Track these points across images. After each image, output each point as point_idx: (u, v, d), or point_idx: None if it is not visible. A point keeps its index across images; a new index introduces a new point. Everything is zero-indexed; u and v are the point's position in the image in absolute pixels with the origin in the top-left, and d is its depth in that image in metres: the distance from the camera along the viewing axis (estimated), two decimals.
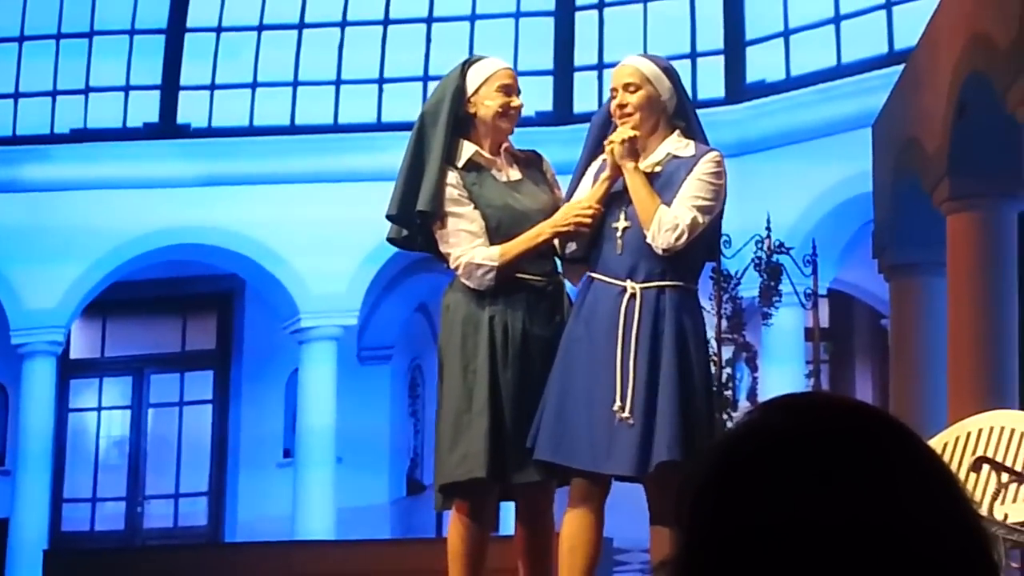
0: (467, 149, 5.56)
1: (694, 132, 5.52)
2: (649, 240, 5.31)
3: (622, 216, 5.40)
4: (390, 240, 5.78)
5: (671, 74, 5.51)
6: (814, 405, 1.34)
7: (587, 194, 5.49)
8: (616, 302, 5.33)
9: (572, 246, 5.50)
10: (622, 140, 5.38)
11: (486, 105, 5.55)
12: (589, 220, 5.42)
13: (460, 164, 5.53)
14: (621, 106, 5.45)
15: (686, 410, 5.23)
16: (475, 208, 5.50)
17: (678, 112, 5.50)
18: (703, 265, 5.58)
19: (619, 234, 5.40)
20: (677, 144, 5.46)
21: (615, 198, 5.43)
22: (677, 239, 5.29)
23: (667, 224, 5.30)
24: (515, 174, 5.62)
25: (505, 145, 5.63)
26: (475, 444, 5.33)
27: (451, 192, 5.49)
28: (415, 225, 5.60)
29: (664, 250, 5.30)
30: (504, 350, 5.40)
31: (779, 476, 1.26)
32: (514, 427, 5.35)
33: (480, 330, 5.41)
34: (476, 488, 5.39)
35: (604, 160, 5.49)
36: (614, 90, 5.50)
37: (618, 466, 5.25)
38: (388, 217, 5.69)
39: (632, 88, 5.44)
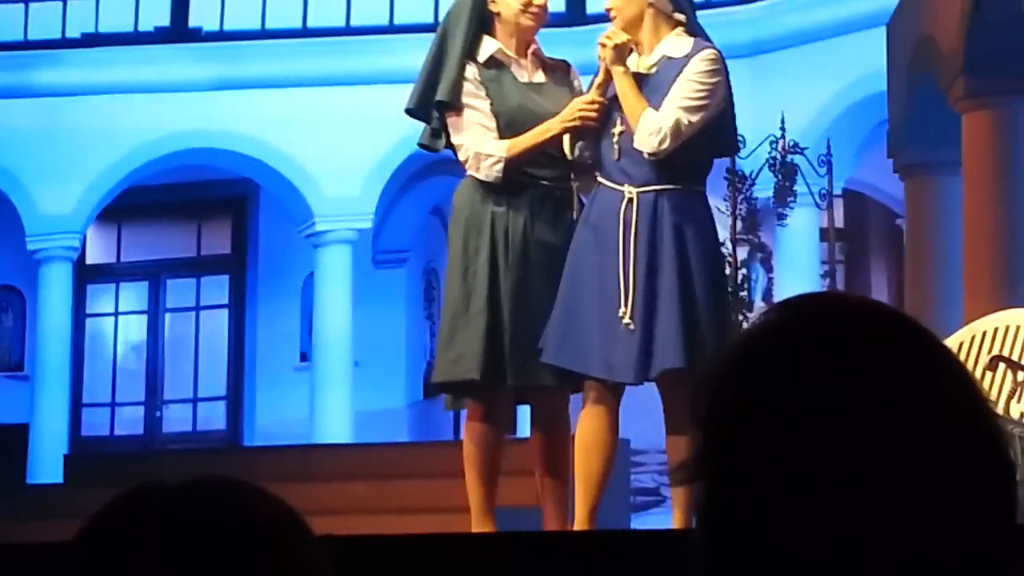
0: (489, 45, 5.58)
1: (694, 29, 5.49)
2: (635, 145, 5.30)
3: (618, 120, 5.39)
4: (421, 146, 5.79)
5: None
6: (831, 306, 1.34)
7: (587, 94, 5.49)
8: (616, 207, 5.32)
9: (581, 148, 5.49)
10: (614, 44, 5.36)
11: (509, 3, 5.56)
12: (594, 113, 5.40)
13: (482, 60, 5.55)
14: (608, 9, 5.45)
15: (688, 315, 5.21)
16: (491, 103, 5.51)
17: (675, 9, 5.46)
18: (707, 165, 5.52)
19: (615, 138, 5.39)
20: (675, 44, 5.41)
21: (613, 103, 5.41)
22: (660, 143, 5.27)
23: (650, 128, 5.27)
24: (539, 77, 5.62)
25: (533, 48, 5.65)
26: (470, 345, 5.37)
27: (468, 86, 5.52)
28: (434, 119, 5.62)
29: (650, 154, 5.28)
30: (505, 252, 5.42)
31: (796, 377, 1.27)
32: (514, 329, 5.37)
33: (483, 232, 5.44)
34: (483, 390, 5.43)
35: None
36: None
37: (622, 374, 5.27)
38: (407, 111, 5.71)
39: None
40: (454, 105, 5.53)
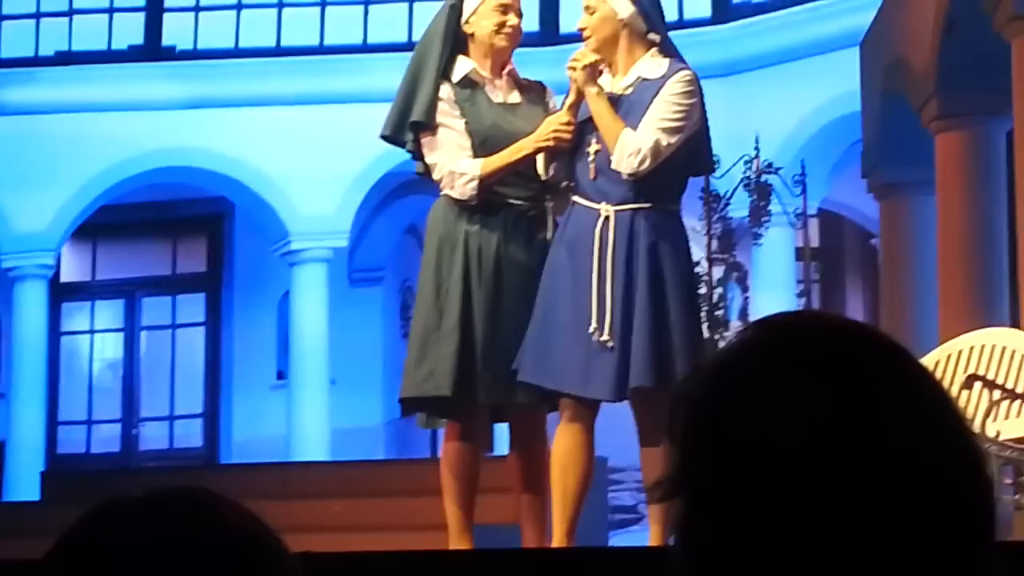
0: (464, 65, 5.60)
1: (669, 51, 5.51)
2: (614, 165, 5.31)
3: (593, 140, 5.40)
4: (418, 174, 5.80)
5: None
6: (806, 324, 1.35)
7: (559, 113, 5.50)
8: (592, 225, 5.33)
9: (555, 168, 5.50)
10: (584, 65, 5.38)
11: (482, 24, 5.57)
12: (568, 134, 5.41)
13: (456, 80, 5.56)
14: (581, 29, 5.47)
15: (661, 333, 5.22)
16: (466, 123, 5.52)
17: (650, 29, 5.48)
18: (683, 184, 5.53)
19: (591, 158, 5.40)
20: (650, 65, 5.43)
21: (587, 123, 5.42)
22: (640, 163, 5.28)
23: (629, 149, 5.29)
24: (513, 97, 5.64)
25: (509, 68, 5.66)
26: (443, 362, 5.38)
27: (443, 106, 5.54)
28: (409, 142, 5.62)
29: (630, 174, 5.30)
30: (479, 271, 5.44)
31: (772, 395, 1.28)
32: (486, 347, 5.39)
33: (456, 250, 5.46)
34: (455, 407, 5.44)
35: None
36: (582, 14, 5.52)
37: (598, 390, 5.28)
38: (382, 137, 5.72)
39: (590, 10, 5.46)
40: (428, 125, 5.54)
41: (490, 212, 5.49)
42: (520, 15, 5.67)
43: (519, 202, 5.53)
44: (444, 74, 5.58)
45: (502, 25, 5.60)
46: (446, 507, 5.51)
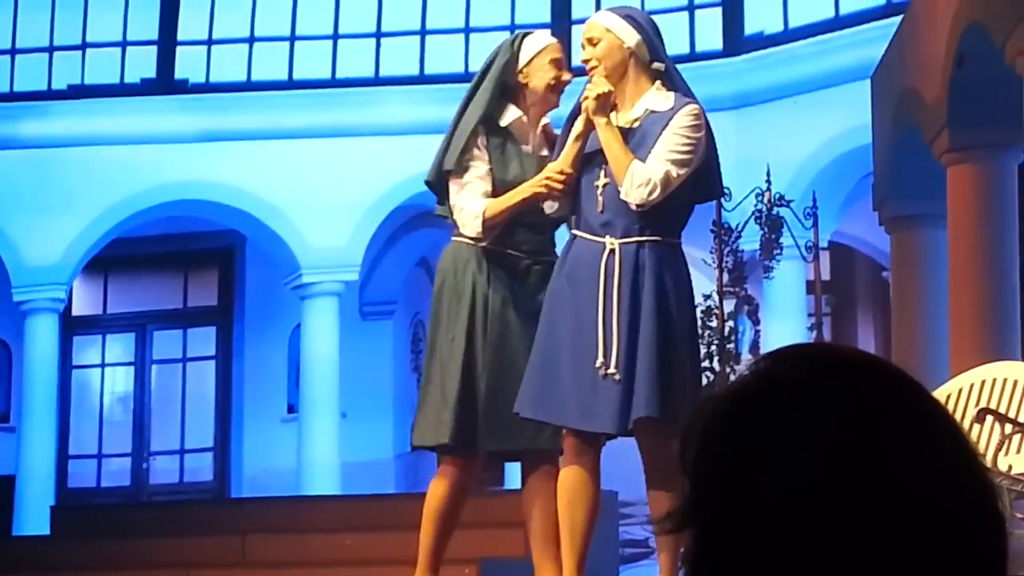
0: (512, 113, 5.69)
1: (675, 82, 5.51)
2: (623, 196, 5.31)
3: (601, 173, 5.41)
4: (440, 215, 5.89)
5: (634, 21, 5.49)
6: (818, 357, 1.34)
7: (562, 155, 5.51)
8: (597, 258, 5.33)
9: (553, 205, 5.52)
10: (596, 95, 5.39)
11: (538, 76, 5.66)
12: (560, 185, 5.44)
13: (501, 124, 5.65)
14: (586, 61, 5.48)
15: (665, 366, 5.22)
16: (491, 168, 5.57)
17: (653, 59, 5.49)
18: (686, 217, 5.54)
19: (599, 191, 5.40)
20: (656, 98, 5.44)
21: (596, 155, 5.43)
22: (650, 194, 5.29)
23: (639, 179, 5.30)
24: (543, 151, 5.70)
25: (545, 122, 5.75)
26: (446, 411, 5.49)
27: (475, 150, 5.59)
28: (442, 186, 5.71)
29: (638, 205, 5.31)
30: (483, 323, 5.55)
31: (784, 428, 1.27)
32: (489, 396, 5.49)
33: (463, 301, 5.55)
34: (457, 452, 5.54)
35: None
36: (583, 47, 5.52)
37: (602, 423, 5.27)
38: (426, 183, 5.80)
39: (593, 41, 5.47)
40: (457, 171, 5.61)
41: (499, 262, 5.58)
42: (570, 72, 5.74)
43: (525, 256, 5.59)
44: (488, 119, 5.62)
45: (557, 80, 5.67)
46: (421, 540, 5.59)
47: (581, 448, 5.32)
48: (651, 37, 5.48)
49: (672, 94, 5.44)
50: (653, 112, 5.41)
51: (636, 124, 5.41)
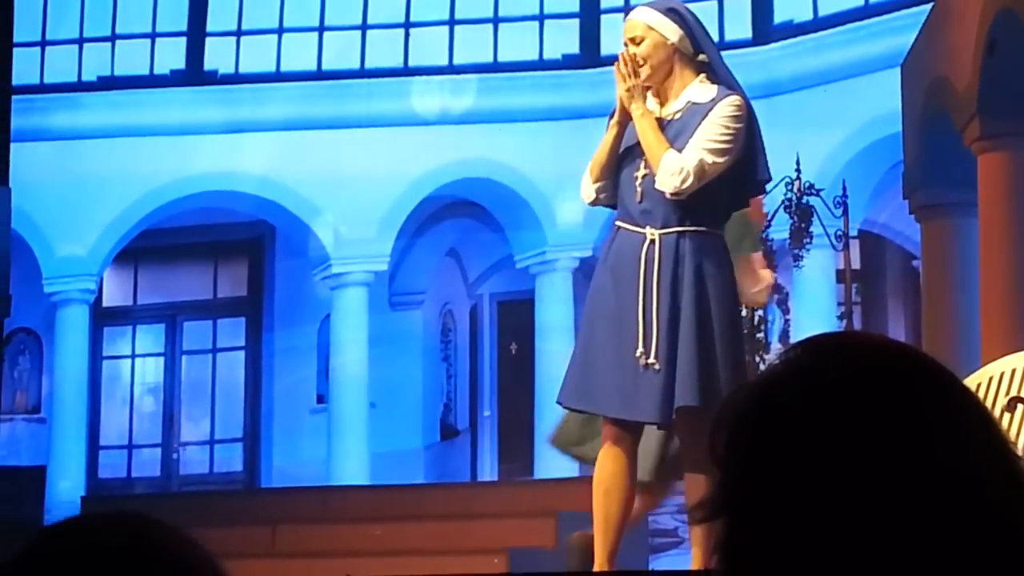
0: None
1: (718, 74, 5.50)
2: (657, 185, 5.31)
3: (641, 164, 5.41)
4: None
5: (676, 16, 5.48)
6: (850, 345, 1.34)
7: (601, 142, 5.51)
8: (637, 249, 5.34)
9: (602, 190, 5.50)
10: (628, 88, 5.38)
11: None
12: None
13: None
14: (632, 58, 5.46)
15: (707, 355, 5.23)
16: None
17: (697, 52, 5.48)
18: (727, 209, 5.53)
19: (638, 182, 5.40)
20: (699, 90, 5.44)
21: (635, 147, 5.43)
22: (683, 182, 5.28)
23: (672, 168, 5.30)
24: None
25: None
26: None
27: None
28: None
29: (672, 194, 5.30)
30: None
31: (815, 416, 1.27)
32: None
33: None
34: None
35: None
36: (625, 46, 5.51)
37: (643, 413, 5.27)
38: None
39: (637, 40, 5.45)
40: None
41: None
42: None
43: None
44: None
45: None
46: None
47: (619, 438, 5.33)
48: (693, 29, 5.48)
49: (715, 87, 5.44)
50: (694, 104, 5.41)
51: (677, 116, 5.42)
